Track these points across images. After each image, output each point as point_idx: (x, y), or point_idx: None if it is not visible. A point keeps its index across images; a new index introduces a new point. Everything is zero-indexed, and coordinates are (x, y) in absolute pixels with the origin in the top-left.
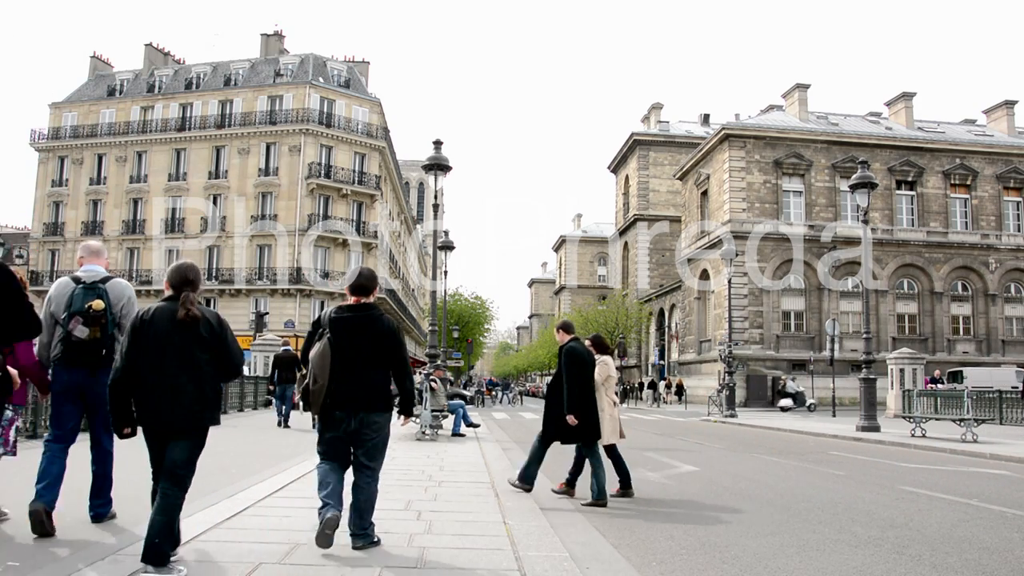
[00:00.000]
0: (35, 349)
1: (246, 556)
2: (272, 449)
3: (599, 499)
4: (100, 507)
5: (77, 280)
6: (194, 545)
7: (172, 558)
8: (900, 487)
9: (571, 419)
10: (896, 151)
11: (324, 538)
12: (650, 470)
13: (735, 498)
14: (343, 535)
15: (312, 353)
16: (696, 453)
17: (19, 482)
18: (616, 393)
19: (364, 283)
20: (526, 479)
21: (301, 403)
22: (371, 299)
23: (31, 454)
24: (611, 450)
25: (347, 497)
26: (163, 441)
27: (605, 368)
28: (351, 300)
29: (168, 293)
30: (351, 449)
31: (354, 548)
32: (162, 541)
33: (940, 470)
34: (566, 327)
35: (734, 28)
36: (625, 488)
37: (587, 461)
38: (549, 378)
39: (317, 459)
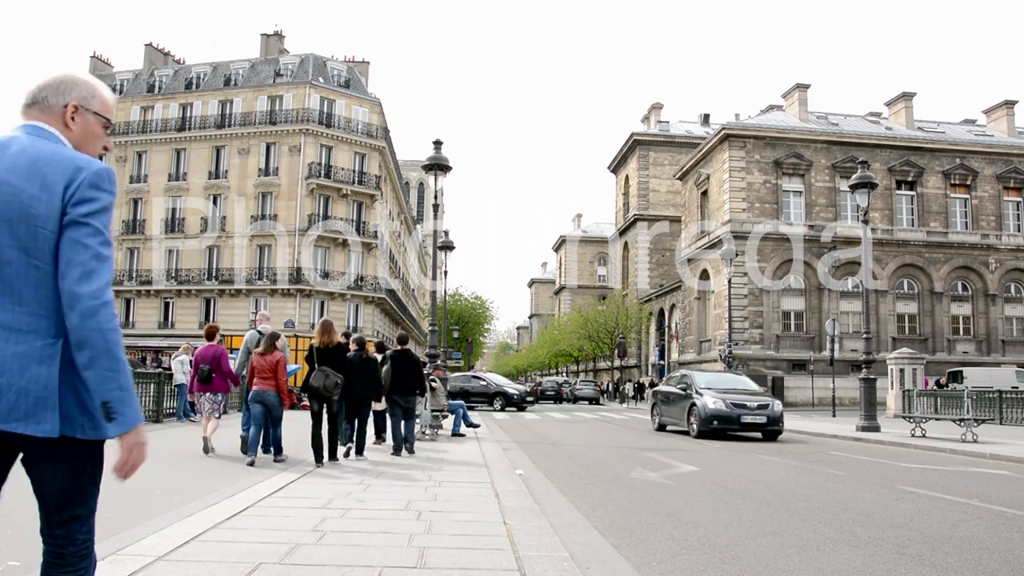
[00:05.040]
0: (233, 365)
1: (246, 556)
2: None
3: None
4: (273, 449)
5: (260, 332)
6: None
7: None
8: (900, 487)
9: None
10: (896, 151)
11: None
12: (650, 470)
13: (735, 498)
14: (344, 536)
15: (383, 371)
16: (696, 453)
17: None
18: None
19: (406, 338)
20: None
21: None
22: (408, 346)
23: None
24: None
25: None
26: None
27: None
28: (399, 347)
29: (354, 347)
30: (401, 411)
31: (408, 454)
32: (361, 444)
33: (940, 470)
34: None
35: (734, 28)
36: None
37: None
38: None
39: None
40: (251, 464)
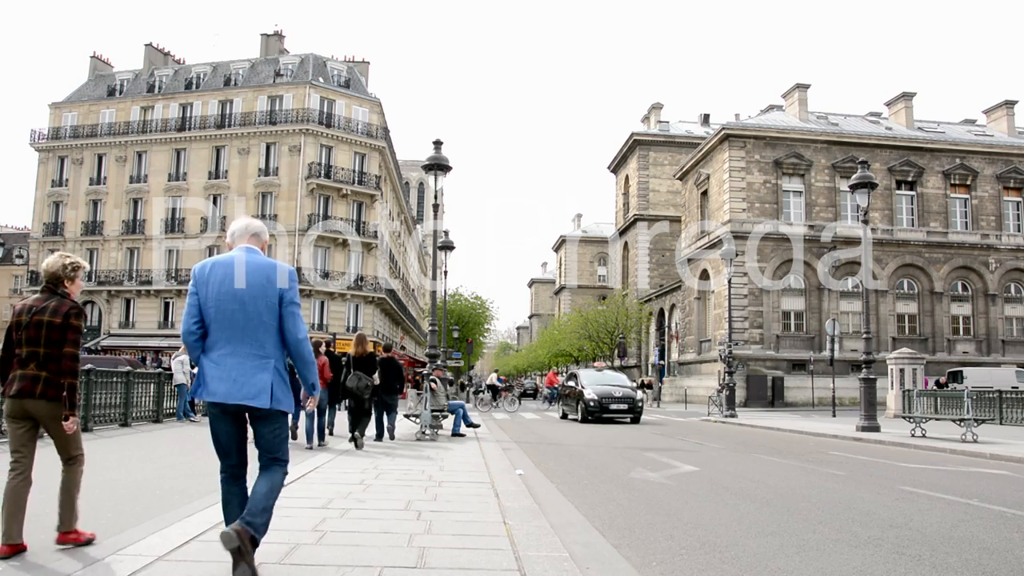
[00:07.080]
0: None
1: None
2: None
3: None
4: (317, 435)
5: None
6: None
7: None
8: (900, 487)
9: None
10: (896, 151)
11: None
12: (650, 470)
13: (735, 498)
14: (344, 536)
15: (375, 374)
16: (696, 453)
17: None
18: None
19: (391, 347)
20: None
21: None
22: (393, 353)
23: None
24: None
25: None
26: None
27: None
28: (385, 354)
29: (372, 350)
30: (385, 405)
31: (390, 440)
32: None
33: (940, 470)
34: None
35: (734, 28)
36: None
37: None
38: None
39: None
40: (309, 449)
